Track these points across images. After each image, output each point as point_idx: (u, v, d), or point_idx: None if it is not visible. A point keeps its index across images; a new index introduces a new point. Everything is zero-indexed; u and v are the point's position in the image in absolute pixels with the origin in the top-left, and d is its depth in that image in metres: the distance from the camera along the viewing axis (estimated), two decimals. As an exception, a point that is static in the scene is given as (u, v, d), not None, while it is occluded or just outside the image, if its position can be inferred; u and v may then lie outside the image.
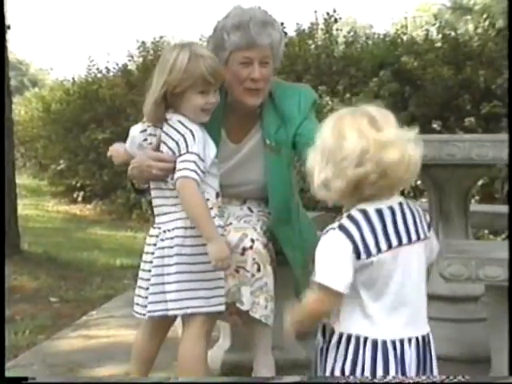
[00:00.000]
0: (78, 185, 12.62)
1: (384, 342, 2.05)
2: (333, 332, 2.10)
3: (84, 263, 6.90)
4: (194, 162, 2.66)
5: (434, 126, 8.37)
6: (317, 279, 2.03)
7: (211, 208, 2.75)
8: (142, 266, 2.83)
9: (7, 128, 6.64)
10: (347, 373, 2.06)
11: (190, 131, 2.71)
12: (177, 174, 2.68)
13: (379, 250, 2.03)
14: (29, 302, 5.21)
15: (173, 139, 2.73)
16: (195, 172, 2.66)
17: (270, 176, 3.04)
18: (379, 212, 2.05)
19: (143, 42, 12.32)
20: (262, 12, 2.97)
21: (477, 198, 7.83)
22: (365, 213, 2.04)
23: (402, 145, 2.01)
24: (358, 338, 2.06)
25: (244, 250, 2.86)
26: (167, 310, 2.72)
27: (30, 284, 5.79)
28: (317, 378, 2.36)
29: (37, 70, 41.43)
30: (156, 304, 2.73)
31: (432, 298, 3.68)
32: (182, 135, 2.71)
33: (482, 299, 3.72)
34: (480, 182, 7.23)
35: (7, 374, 3.47)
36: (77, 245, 8.33)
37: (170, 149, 2.74)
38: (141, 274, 2.83)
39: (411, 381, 2.61)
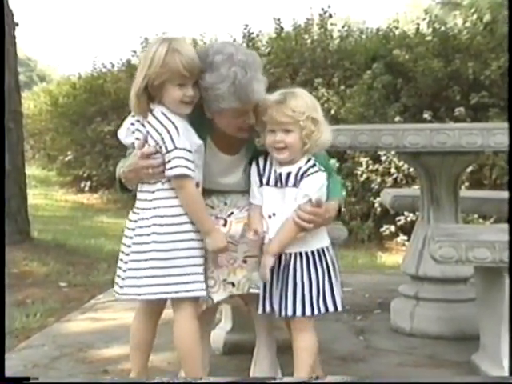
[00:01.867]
0: (85, 175, 12.79)
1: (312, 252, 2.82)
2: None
3: (91, 249, 6.99)
4: (184, 158, 2.70)
5: (425, 116, 8.45)
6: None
7: None
8: (122, 248, 2.87)
9: (17, 121, 6.80)
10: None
11: (173, 124, 2.73)
12: (170, 172, 2.72)
13: None
14: (39, 287, 5.35)
15: (156, 130, 2.75)
16: (187, 168, 2.70)
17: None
18: None
19: (146, 38, 12.28)
20: (251, 57, 2.84)
21: (466, 184, 7.95)
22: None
23: None
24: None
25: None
26: (138, 294, 2.78)
27: (40, 269, 5.92)
28: (316, 379, 2.74)
29: (44, 65, 41.21)
30: (131, 288, 2.79)
31: (424, 279, 3.96)
32: (165, 127, 2.73)
33: (471, 280, 3.86)
34: (469, 169, 7.35)
35: (18, 355, 3.67)
36: (84, 232, 8.46)
37: (153, 139, 2.75)
38: (120, 255, 2.88)
39: (410, 380, 2.95)
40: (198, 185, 2.82)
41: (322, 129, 2.80)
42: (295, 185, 2.79)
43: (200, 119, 2.86)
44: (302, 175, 2.78)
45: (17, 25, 7.02)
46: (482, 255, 2.97)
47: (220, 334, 3.60)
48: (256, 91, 2.79)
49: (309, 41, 10.22)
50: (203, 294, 2.79)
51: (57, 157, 14.06)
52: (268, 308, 2.85)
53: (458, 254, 2.99)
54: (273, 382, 2.86)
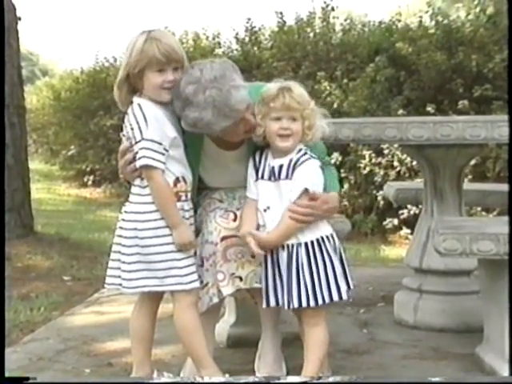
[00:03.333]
0: (88, 169, 12.76)
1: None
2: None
3: (95, 243, 6.95)
4: (150, 149, 2.72)
5: (429, 109, 8.40)
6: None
7: None
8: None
9: (20, 115, 6.77)
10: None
11: (143, 115, 2.75)
12: (137, 163, 2.76)
13: None
14: (43, 281, 5.35)
15: (129, 123, 2.79)
16: (152, 159, 2.72)
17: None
18: None
19: (148, 32, 12.30)
20: (219, 70, 2.76)
21: (469, 177, 7.91)
22: None
23: None
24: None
25: None
26: (121, 286, 2.85)
27: (44, 263, 5.91)
28: (321, 379, 2.74)
29: (47, 60, 41.12)
30: (113, 278, 2.88)
31: (427, 272, 3.96)
32: (136, 119, 2.76)
33: (475, 273, 3.82)
34: (472, 162, 7.25)
35: (23, 349, 3.69)
36: (87, 226, 8.45)
37: (127, 132, 2.81)
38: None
39: (407, 380, 2.93)
40: (178, 180, 2.83)
41: (318, 121, 2.83)
42: (288, 177, 2.79)
43: None
44: (294, 166, 2.79)
45: (19, 19, 6.98)
46: (486, 248, 2.97)
47: (224, 327, 3.62)
48: (239, 100, 2.75)
49: (311, 34, 10.18)
50: (180, 288, 2.80)
51: (60, 151, 14.05)
52: (273, 302, 2.84)
53: (462, 246, 3.00)
54: (276, 381, 2.85)
